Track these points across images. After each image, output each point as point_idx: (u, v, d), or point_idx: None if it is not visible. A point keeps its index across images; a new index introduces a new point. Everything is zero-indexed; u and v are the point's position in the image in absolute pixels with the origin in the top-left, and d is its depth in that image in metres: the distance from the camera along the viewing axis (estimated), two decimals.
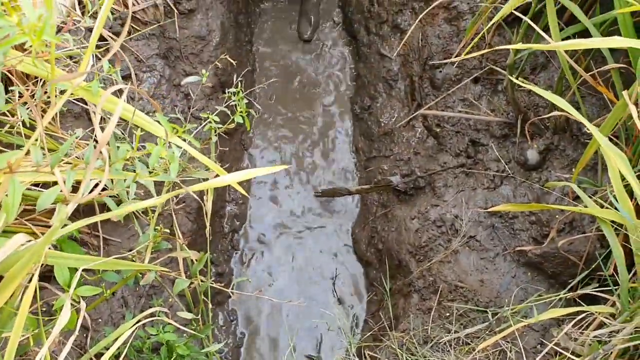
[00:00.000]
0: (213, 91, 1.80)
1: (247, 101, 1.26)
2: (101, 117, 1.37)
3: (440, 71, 1.76)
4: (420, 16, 1.54)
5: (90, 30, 1.28)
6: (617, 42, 0.78)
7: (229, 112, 1.26)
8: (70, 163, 0.84)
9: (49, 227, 1.22)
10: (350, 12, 2.15)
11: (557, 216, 1.33)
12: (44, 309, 1.17)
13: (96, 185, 0.67)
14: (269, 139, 2.00)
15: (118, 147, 0.62)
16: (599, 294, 1.10)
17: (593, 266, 1.17)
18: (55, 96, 0.74)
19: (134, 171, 0.77)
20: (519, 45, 0.77)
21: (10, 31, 0.45)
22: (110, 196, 0.84)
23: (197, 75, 1.25)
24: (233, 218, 1.86)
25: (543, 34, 1.01)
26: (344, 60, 2.18)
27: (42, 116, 0.83)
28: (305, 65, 2.14)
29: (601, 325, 1.06)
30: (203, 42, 1.78)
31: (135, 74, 1.57)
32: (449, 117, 1.67)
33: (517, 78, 1.53)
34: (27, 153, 0.72)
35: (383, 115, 1.90)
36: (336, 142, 2.00)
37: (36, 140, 0.66)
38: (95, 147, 0.60)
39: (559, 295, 1.20)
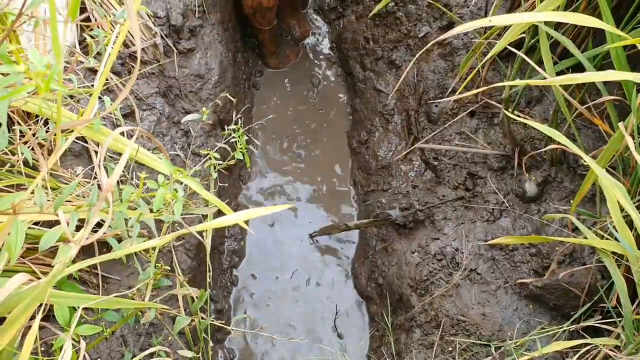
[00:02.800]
0: (212, 128, 1.81)
1: (246, 138, 1.28)
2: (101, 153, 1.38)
3: (437, 105, 1.78)
4: (417, 55, 1.56)
5: (91, 70, 1.30)
6: (611, 75, 0.79)
7: (229, 149, 1.27)
8: (71, 201, 0.84)
9: (49, 264, 1.21)
10: (345, 49, 2.19)
11: (557, 248, 1.33)
12: (43, 349, 1.16)
13: (98, 225, 0.67)
14: (267, 174, 2.01)
15: (121, 189, 0.63)
16: (602, 326, 1.09)
17: (595, 298, 1.17)
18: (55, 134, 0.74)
19: (136, 208, 0.77)
20: (515, 82, 0.79)
21: (18, 79, 0.45)
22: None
23: (197, 114, 1.26)
24: (232, 254, 1.85)
25: (538, 68, 1.03)
26: (341, 95, 2.21)
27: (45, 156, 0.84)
28: (302, 101, 2.16)
29: (606, 358, 1.05)
30: (202, 81, 1.80)
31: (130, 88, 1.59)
32: (446, 150, 1.69)
33: (512, 111, 1.55)
34: (31, 192, 0.72)
35: (380, 149, 1.91)
36: (334, 176, 2.01)
37: (42, 180, 0.67)
38: (99, 187, 0.60)
39: (562, 328, 1.19)
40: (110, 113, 0.91)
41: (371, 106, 2.02)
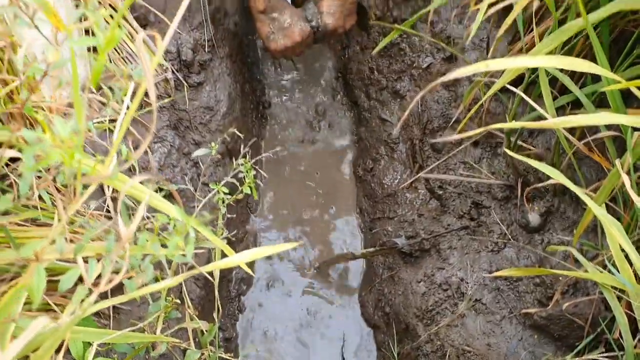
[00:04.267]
0: (221, 158, 1.85)
1: (254, 172, 1.31)
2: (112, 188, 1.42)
3: (441, 135, 1.82)
4: (422, 92, 1.60)
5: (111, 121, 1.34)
6: (606, 118, 0.82)
7: (237, 183, 1.31)
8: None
9: (64, 296, 1.24)
10: (350, 79, 2.23)
11: (560, 278, 1.35)
12: None
13: (115, 271, 0.70)
14: (274, 202, 2.04)
15: (137, 235, 0.66)
16: (605, 359, 1.11)
17: (599, 330, 1.18)
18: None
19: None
20: (513, 125, 0.82)
21: (44, 146, 0.49)
22: None
23: (206, 149, 1.30)
24: (240, 282, 1.88)
25: (537, 107, 1.07)
26: (346, 124, 2.24)
27: (62, 198, 0.87)
28: (308, 131, 2.20)
29: None
30: (211, 112, 1.85)
31: (147, 145, 1.63)
32: (451, 179, 1.71)
33: (515, 142, 1.58)
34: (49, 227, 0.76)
35: (386, 177, 1.94)
36: (340, 203, 2.04)
37: (59, 221, 0.70)
38: (115, 234, 0.63)
39: (565, 359, 1.20)
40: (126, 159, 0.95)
41: (376, 135, 2.06)
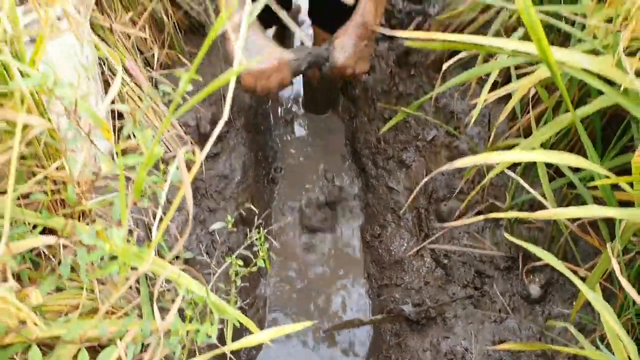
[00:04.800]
0: (235, 224, 1.93)
1: (267, 244, 1.39)
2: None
3: (445, 204, 1.90)
4: (431, 175, 1.69)
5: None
6: (596, 211, 0.90)
7: (251, 256, 1.38)
8: (115, 311, 0.95)
9: None
10: (358, 147, 2.33)
11: (560, 351, 1.39)
12: None
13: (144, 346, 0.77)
14: (283, 265, 2.11)
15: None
16: None
17: None
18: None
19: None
20: (510, 215, 0.90)
21: (103, 254, 0.57)
22: None
23: (222, 222, 1.38)
24: (251, 348, 1.93)
25: (534, 192, 1.15)
26: (354, 190, 2.33)
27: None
28: (318, 196, 2.29)
29: None
30: (226, 181, 1.94)
31: (164, 213, 1.71)
32: (455, 250, 1.78)
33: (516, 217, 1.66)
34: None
35: (393, 244, 2.01)
36: (348, 270, 2.10)
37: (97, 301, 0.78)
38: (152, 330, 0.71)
39: None
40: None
41: (383, 202, 2.14)
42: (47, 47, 0.82)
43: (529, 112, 1.52)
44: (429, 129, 2.05)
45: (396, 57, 2.28)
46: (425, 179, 1.15)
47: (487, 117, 1.89)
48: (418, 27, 2.24)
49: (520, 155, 0.96)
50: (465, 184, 1.83)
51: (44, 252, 1.02)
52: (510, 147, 1.42)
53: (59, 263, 0.84)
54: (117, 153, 0.68)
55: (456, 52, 1.80)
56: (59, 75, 0.80)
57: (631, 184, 0.91)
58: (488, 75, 1.50)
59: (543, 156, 0.95)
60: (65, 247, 0.71)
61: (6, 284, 0.55)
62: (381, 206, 2.16)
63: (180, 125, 1.82)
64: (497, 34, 1.53)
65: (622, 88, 0.91)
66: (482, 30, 1.91)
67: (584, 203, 1.24)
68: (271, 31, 2.45)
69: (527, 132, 1.58)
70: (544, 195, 1.21)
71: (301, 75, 2.44)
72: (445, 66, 1.38)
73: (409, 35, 0.93)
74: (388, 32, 1.17)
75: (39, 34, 0.72)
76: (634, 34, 0.89)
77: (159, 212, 0.71)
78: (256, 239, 1.37)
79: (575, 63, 0.92)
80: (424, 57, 2.16)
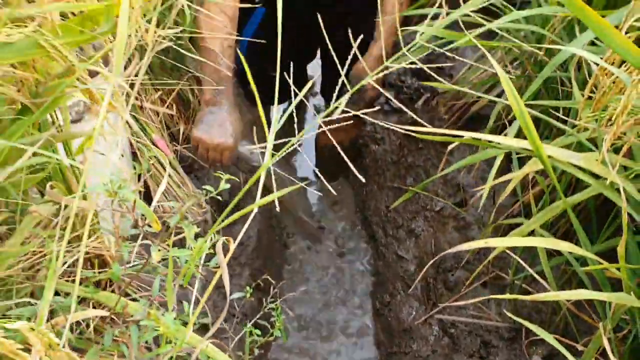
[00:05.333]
0: (249, 291, 2.01)
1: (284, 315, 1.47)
2: None
3: (453, 274, 1.97)
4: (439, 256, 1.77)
5: None
6: (587, 295, 0.98)
7: (267, 325, 1.46)
8: None
9: None
10: (369, 215, 2.43)
11: None
12: None
13: None
14: (295, 328, 2.17)
15: None
16: None
17: None
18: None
19: None
20: (512, 296, 0.98)
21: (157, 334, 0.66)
22: None
23: (242, 292, 1.46)
24: None
25: (531, 270, 1.23)
26: (364, 257, 2.41)
27: None
28: (329, 263, 2.37)
29: None
30: (242, 247, 2.04)
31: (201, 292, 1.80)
32: (461, 320, 1.84)
33: (520, 285, 1.73)
34: None
35: (402, 312, 2.07)
36: (359, 338, 2.16)
37: None
38: None
39: None
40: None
41: (393, 270, 2.22)
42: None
43: (529, 190, 1.62)
44: (437, 200, 2.15)
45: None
46: (438, 257, 1.24)
47: (492, 191, 1.99)
48: (426, 103, 2.37)
49: (517, 240, 1.05)
50: (471, 255, 1.90)
51: (81, 322, 1.11)
52: (512, 226, 1.51)
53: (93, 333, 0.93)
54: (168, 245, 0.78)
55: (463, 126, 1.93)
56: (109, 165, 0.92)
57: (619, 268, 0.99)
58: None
59: (539, 242, 1.04)
60: (112, 320, 0.81)
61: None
62: (390, 274, 2.23)
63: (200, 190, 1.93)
64: (499, 118, 1.65)
65: (608, 181, 1.01)
66: (488, 107, 2.03)
67: (581, 280, 1.32)
68: (283, 106, 2.59)
69: (529, 208, 1.68)
70: (544, 274, 1.30)
71: (313, 142, 2.57)
72: (450, 147, 1.49)
73: (416, 131, 1.04)
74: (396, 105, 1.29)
75: (88, 136, 0.84)
76: (618, 134, 0.99)
77: (194, 293, 0.80)
78: (272, 309, 1.45)
79: (565, 158, 1.02)
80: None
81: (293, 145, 0.74)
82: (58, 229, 0.73)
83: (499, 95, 1.90)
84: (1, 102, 0.74)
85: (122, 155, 1.47)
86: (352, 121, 1.05)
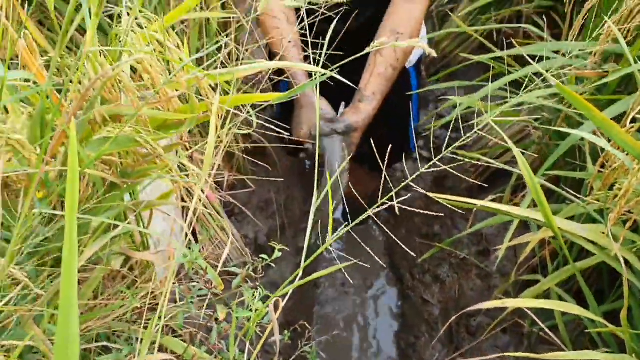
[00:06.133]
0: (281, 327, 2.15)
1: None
2: None
3: (475, 320, 2.08)
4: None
5: None
6: (591, 355, 1.10)
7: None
8: None
9: None
10: (396, 259, 2.56)
11: None
12: None
13: None
14: None
15: None
16: None
17: None
18: None
19: None
20: (525, 354, 1.10)
21: None
22: None
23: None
24: None
25: (549, 332, 1.35)
26: (391, 299, 2.53)
27: None
28: (356, 305, 2.49)
29: None
30: (275, 288, 2.18)
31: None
32: None
33: (538, 334, 1.84)
34: None
35: (425, 353, 2.18)
36: None
37: None
38: None
39: None
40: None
41: (418, 313, 2.33)
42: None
43: (546, 247, 1.73)
44: (462, 248, 2.27)
45: (434, 178, 2.55)
46: (461, 312, 1.36)
47: (514, 247, 2.10)
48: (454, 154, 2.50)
49: (531, 302, 1.18)
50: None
51: None
52: (530, 282, 1.63)
53: None
54: (228, 306, 0.93)
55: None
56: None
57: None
58: None
59: (551, 305, 1.16)
60: None
61: None
62: (415, 316, 2.34)
63: (242, 238, 2.09)
64: (520, 177, 1.78)
65: (613, 252, 1.13)
66: (512, 162, 2.16)
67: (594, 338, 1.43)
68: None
69: (546, 262, 1.79)
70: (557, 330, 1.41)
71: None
72: (475, 209, 1.62)
73: (443, 199, 1.18)
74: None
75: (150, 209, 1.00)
76: (621, 212, 1.12)
77: (247, 345, 0.95)
78: (307, 353, 1.58)
79: (574, 231, 1.15)
80: (458, 182, 2.42)
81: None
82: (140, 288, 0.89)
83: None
84: (99, 183, 0.90)
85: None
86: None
